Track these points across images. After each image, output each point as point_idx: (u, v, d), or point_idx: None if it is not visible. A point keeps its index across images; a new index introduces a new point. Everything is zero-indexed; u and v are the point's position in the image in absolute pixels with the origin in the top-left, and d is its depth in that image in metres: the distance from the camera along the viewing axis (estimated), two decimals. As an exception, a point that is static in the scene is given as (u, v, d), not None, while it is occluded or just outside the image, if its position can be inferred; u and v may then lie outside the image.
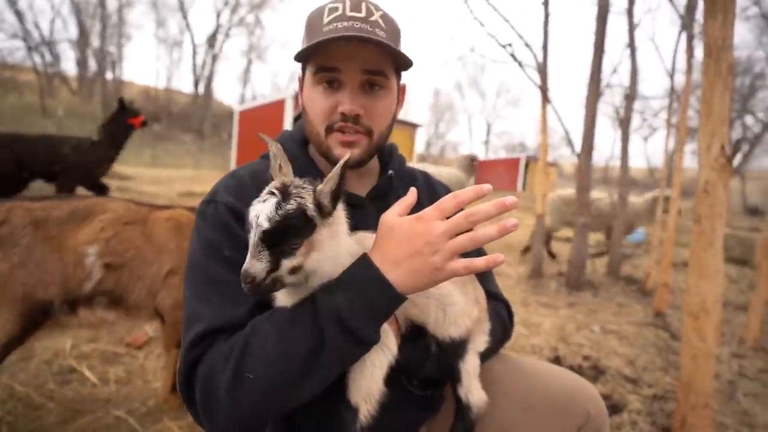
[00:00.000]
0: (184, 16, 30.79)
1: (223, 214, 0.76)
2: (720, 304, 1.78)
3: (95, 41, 27.41)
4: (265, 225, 0.59)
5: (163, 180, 11.88)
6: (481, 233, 0.61)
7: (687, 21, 2.91)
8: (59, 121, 16.90)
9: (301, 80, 0.88)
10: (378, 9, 0.78)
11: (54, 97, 24.83)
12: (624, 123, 3.89)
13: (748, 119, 16.79)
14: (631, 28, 3.68)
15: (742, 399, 2.44)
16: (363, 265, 0.65)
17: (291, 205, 0.60)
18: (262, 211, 0.60)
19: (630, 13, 3.69)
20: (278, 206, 0.60)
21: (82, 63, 27.71)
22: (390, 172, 0.91)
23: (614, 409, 2.19)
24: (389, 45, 0.74)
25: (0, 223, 1.53)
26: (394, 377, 0.72)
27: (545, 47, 3.78)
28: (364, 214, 0.83)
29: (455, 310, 0.77)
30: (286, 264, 0.61)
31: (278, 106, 12.10)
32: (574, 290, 4.31)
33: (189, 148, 23.86)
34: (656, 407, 2.23)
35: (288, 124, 11.74)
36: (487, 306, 0.88)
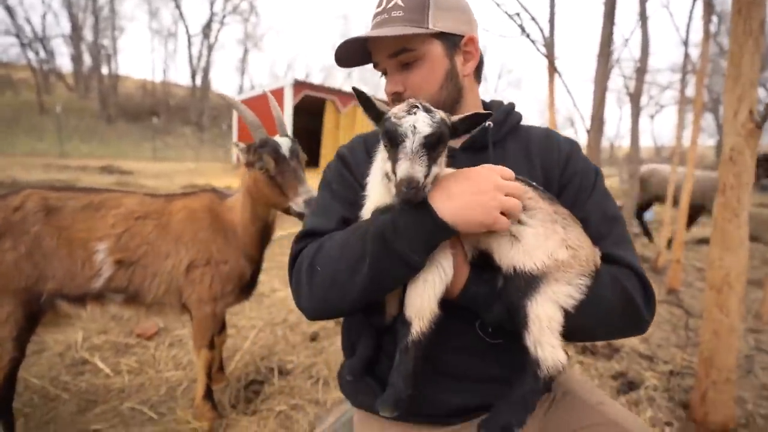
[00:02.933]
0: (177, 6, 30.16)
1: (337, 161, 0.97)
2: (744, 277, 1.72)
3: (88, 35, 27.02)
4: (427, 130, 0.65)
5: (163, 174, 11.84)
6: (519, 208, 0.72)
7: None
8: (57, 117, 16.77)
9: None
10: None
11: (51, 93, 24.64)
12: (635, 97, 3.77)
13: (761, 92, 16.27)
14: (642, -4, 3.53)
15: (760, 373, 2.41)
16: None
17: (438, 115, 0.68)
18: (417, 120, 0.65)
19: (641, -20, 3.53)
20: (432, 115, 0.67)
21: (76, 58, 27.32)
22: (487, 123, 0.91)
23: (631, 386, 2.17)
24: (378, 35, 0.83)
25: (15, 208, 1.48)
26: (465, 319, 0.80)
27: (552, 20, 3.64)
28: (456, 164, 0.86)
29: (527, 240, 0.72)
30: (434, 170, 0.67)
31: (277, 94, 11.90)
32: (584, 270, 4.25)
33: (189, 140, 23.71)
34: (673, 383, 2.21)
35: (288, 113, 11.58)
36: (602, 266, 0.78)
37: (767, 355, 2.69)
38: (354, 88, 0.71)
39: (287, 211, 1.58)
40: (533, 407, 0.72)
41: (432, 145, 0.65)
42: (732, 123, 1.49)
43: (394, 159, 0.66)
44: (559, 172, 0.90)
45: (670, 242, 4.30)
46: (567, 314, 0.73)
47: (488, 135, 0.91)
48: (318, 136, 12.66)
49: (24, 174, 8.85)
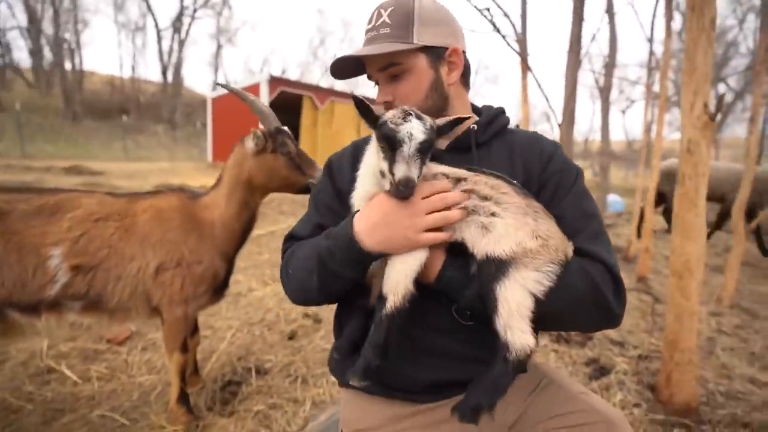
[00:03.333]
0: (146, -1, 28.97)
1: (324, 168, 1.06)
2: (703, 263, 1.81)
3: (48, 28, 25.55)
4: (421, 137, 0.73)
5: (136, 174, 11.40)
6: (451, 214, 0.79)
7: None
8: (17, 116, 15.85)
9: None
10: (388, 6, 0.92)
11: (9, 90, 23.24)
12: (604, 92, 3.89)
13: (721, 87, 17.07)
14: (609, -7, 3.63)
15: (721, 354, 2.55)
16: (347, 222, 0.83)
17: (428, 122, 0.76)
18: (413, 128, 0.73)
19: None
20: (424, 123, 0.75)
21: (36, 52, 25.84)
22: (472, 126, 0.97)
23: (602, 371, 2.25)
24: (365, 54, 0.91)
25: None
26: (442, 300, 0.86)
27: (524, 16, 3.70)
28: (442, 164, 0.92)
29: (498, 230, 0.78)
30: (423, 171, 0.76)
31: (252, 90, 11.63)
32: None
33: (162, 139, 22.89)
34: (642, 367, 2.31)
35: (264, 110, 11.31)
36: (573, 258, 0.81)
37: (727, 336, 2.85)
38: (354, 96, 0.77)
39: (303, 189, 1.69)
40: (504, 390, 0.77)
41: (424, 150, 0.75)
42: (689, 116, 1.56)
43: (391, 160, 0.74)
44: (540, 171, 0.95)
45: (639, 231, 4.49)
46: (537, 301, 0.76)
47: (472, 137, 0.96)
48: (295, 132, 12.48)
49: (-18, 176, 8.34)
